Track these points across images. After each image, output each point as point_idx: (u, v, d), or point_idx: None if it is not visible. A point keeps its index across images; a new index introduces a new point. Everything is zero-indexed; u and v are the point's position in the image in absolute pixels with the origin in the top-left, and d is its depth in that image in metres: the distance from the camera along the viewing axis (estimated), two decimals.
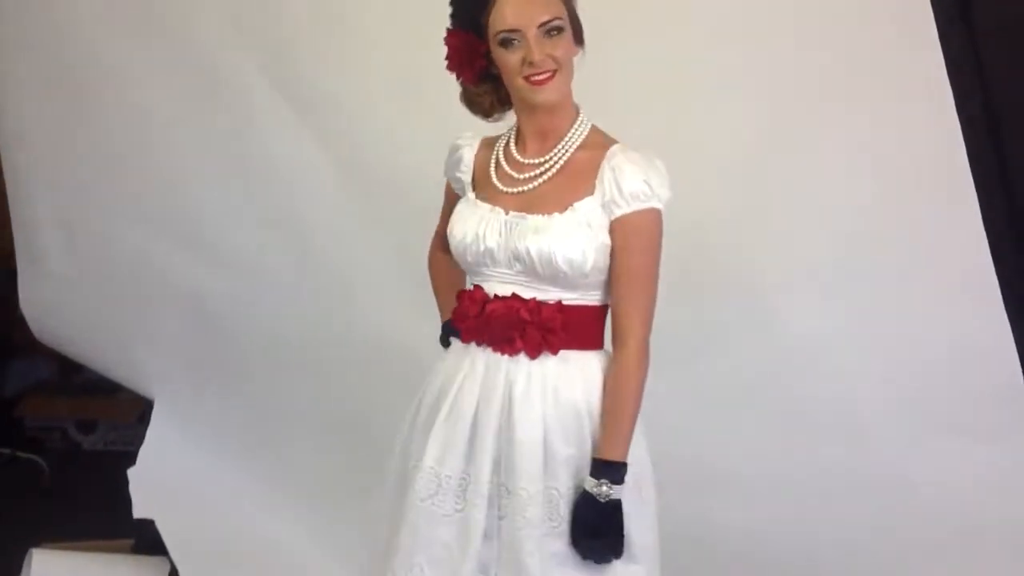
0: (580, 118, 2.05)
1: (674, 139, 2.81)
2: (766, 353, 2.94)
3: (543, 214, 1.99)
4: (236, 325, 3.53)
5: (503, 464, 2.00)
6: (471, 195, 2.10)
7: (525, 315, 1.99)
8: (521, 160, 2.06)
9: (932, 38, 2.66)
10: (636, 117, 2.71)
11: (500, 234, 2.01)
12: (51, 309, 3.84)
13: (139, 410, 4.14)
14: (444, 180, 2.22)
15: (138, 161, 3.52)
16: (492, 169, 2.08)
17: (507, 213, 2.02)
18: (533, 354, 2.01)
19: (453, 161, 2.16)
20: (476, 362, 2.04)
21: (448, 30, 2.05)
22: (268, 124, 3.33)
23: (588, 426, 2.02)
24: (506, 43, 1.96)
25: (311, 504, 3.47)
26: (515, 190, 2.05)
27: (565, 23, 1.97)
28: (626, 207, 1.98)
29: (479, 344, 2.05)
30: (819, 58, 2.79)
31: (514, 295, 2.01)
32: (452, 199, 2.17)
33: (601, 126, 2.08)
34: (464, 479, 2.02)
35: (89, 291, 3.73)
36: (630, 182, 1.96)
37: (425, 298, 2.37)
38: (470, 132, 2.15)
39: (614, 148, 2.01)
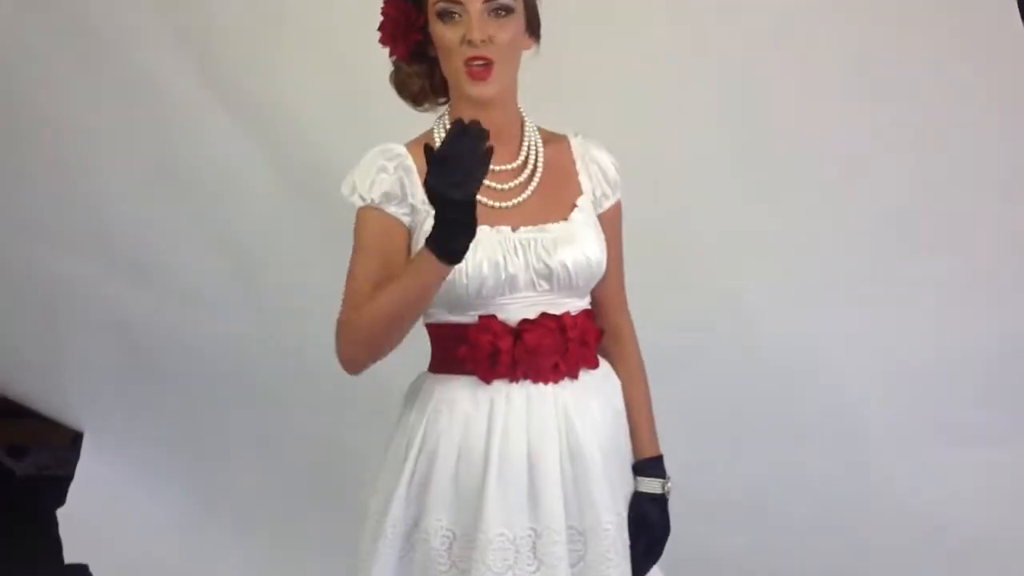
0: (523, 112, 1.91)
1: (666, 133, 2.77)
2: (758, 365, 2.82)
3: (553, 223, 1.84)
4: (169, 350, 3.29)
5: (575, 505, 1.82)
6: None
7: (572, 333, 1.83)
8: (494, 168, 1.82)
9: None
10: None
11: (518, 255, 1.80)
12: None
13: (74, 432, 3.82)
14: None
15: (54, 172, 3.26)
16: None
17: (515, 230, 1.82)
18: (576, 373, 1.85)
19: (393, 184, 1.81)
20: (513, 400, 1.82)
21: None
22: (200, 129, 3.09)
23: (624, 433, 1.94)
24: (444, 15, 1.78)
25: (251, 541, 3.30)
26: (508, 203, 1.84)
27: (517, 4, 1.79)
28: (612, 197, 1.94)
29: (513, 380, 1.84)
30: (843, 51, 2.73)
31: (543, 315, 1.83)
32: (394, 237, 1.83)
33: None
34: (531, 535, 1.80)
35: (3, 312, 3.46)
36: (610, 170, 1.93)
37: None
38: (391, 144, 1.84)
39: (574, 139, 1.94)
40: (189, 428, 3.36)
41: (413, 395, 1.91)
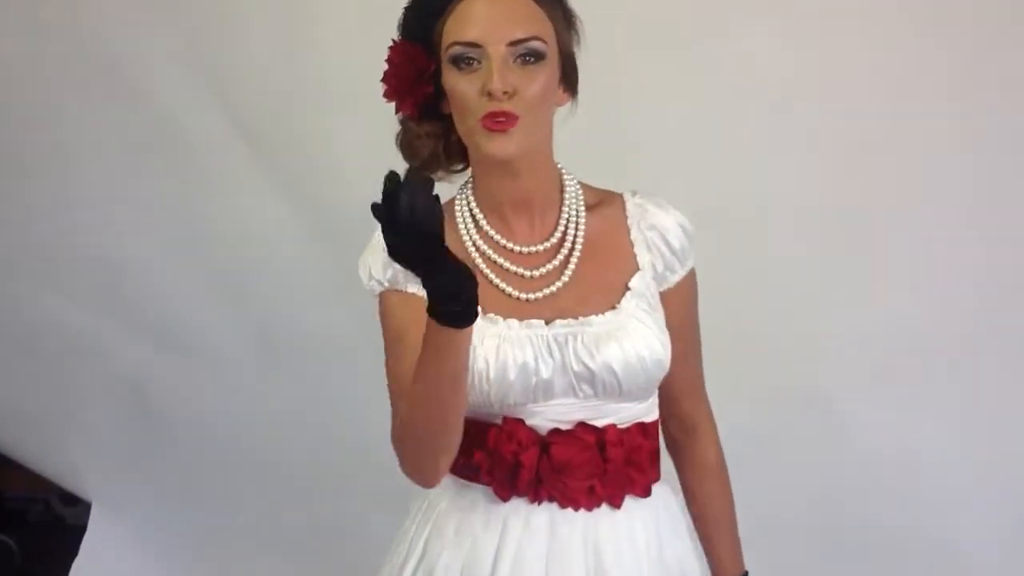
0: (565, 175, 1.59)
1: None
2: (831, 466, 2.51)
3: (597, 313, 1.53)
4: (185, 417, 3.02)
5: None
6: (490, 315, 1.55)
7: (614, 452, 1.52)
8: (518, 249, 1.56)
9: None
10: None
11: (553, 356, 1.50)
12: None
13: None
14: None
15: (67, 220, 2.97)
16: (483, 266, 1.55)
17: (548, 324, 1.52)
18: (618, 501, 1.54)
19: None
20: (532, 525, 1.52)
21: (393, 41, 1.53)
22: (221, 174, 2.83)
23: None
24: (460, 61, 1.46)
25: None
26: (540, 293, 1.54)
27: (549, 50, 1.48)
28: (680, 269, 1.61)
29: (534, 500, 1.52)
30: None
31: (581, 425, 1.52)
32: (418, 320, 1.47)
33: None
34: None
35: (5, 370, 3.17)
36: (676, 236, 1.60)
37: None
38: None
39: (630, 200, 1.61)
40: (201, 503, 3.08)
41: (421, 497, 1.62)
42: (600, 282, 1.54)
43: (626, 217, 1.59)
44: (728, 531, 1.71)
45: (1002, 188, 2.41)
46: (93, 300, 2.99)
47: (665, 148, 2.48)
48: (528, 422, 1.50)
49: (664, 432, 1.67)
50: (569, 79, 1.54)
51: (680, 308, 1.60)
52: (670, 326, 1.56)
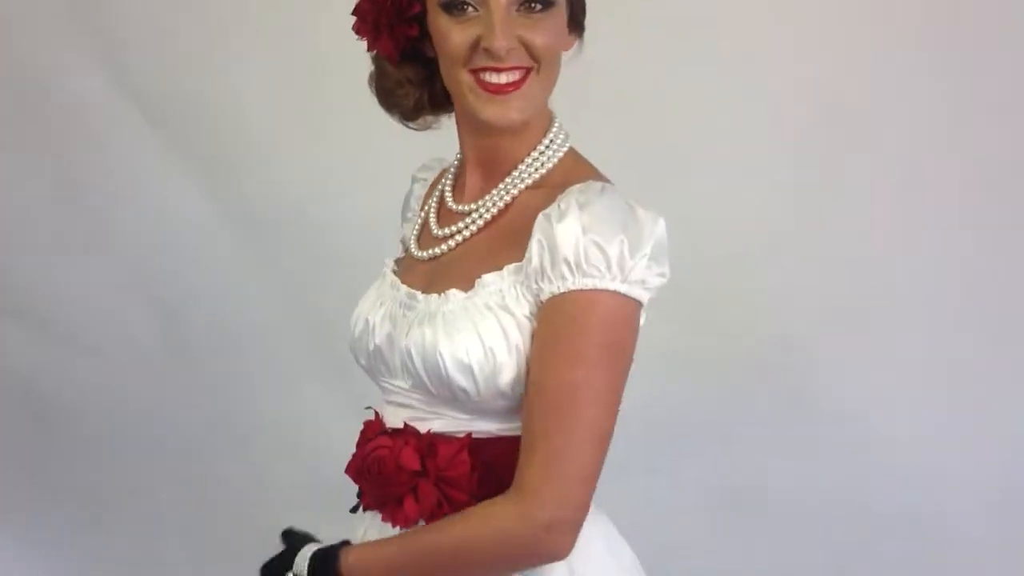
0: (551, 135, 1.33)
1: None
2: (830, 456, 2.33)
3: (456, 288, 1.28)
4: (84, 421, 2.77)
5: None
6: (389, 262, 1.45)
7: (410, 460, 1.26)
8: (452, 207, 1.39)
9: None
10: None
11: (392, 322, 1.33)
12: None
13: None
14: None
15: None
16: (429, 221, 1.43)
17: (411, 291, 1.36)
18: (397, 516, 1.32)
19: (405, 207, 1.56)
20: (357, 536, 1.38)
21: None
22: (115, 146, 2.62)
23: None
24: (453, 7, 1.25)
25: None
26: (424, 253, 1.38)
27: None
28: (557, 283, 1.20)
29: (368, 509, 1.37)
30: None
31: (406, 427, 1.30)
32: None
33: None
34: None
35: None
36: (567, 241, 1.19)
37: (355, 385, 1.68)
38: (440, 157, 1.46)
39: (575, 187, 1.25)
40: (108, 520, 2.82)
41: None
42: (480, 263, 1.28)
43: (547, 206, 1.29)
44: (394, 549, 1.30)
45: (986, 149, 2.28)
46: None
47: None
48: (382, 412, 1.36)
49: None
50: (576, 18, 1.31)
51: (539, 336, 1.22)
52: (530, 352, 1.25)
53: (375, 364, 1.34)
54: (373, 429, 1.34)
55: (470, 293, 1.26)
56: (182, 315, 2.69)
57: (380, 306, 1.35)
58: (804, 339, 2.35)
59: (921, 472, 2.34)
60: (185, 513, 2.77)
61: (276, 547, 1.34)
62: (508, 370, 1.21)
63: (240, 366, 2.65)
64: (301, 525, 1.44)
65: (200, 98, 2.56)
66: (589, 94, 2.10)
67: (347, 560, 1.24)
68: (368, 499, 1.35)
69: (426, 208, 1.44)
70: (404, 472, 1.27)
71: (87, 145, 2.64)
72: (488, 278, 1.26)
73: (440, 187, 1.44)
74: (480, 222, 1.33)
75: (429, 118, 1.39)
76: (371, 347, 1.31)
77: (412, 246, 1.39)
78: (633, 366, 1.23)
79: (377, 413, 1.36)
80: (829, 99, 2.29)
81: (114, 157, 2.65)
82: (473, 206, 1.34)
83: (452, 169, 1.43)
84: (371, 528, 1.33)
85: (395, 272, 1.39)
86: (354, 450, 1.37)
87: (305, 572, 1.25)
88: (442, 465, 1.26)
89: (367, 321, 1.35)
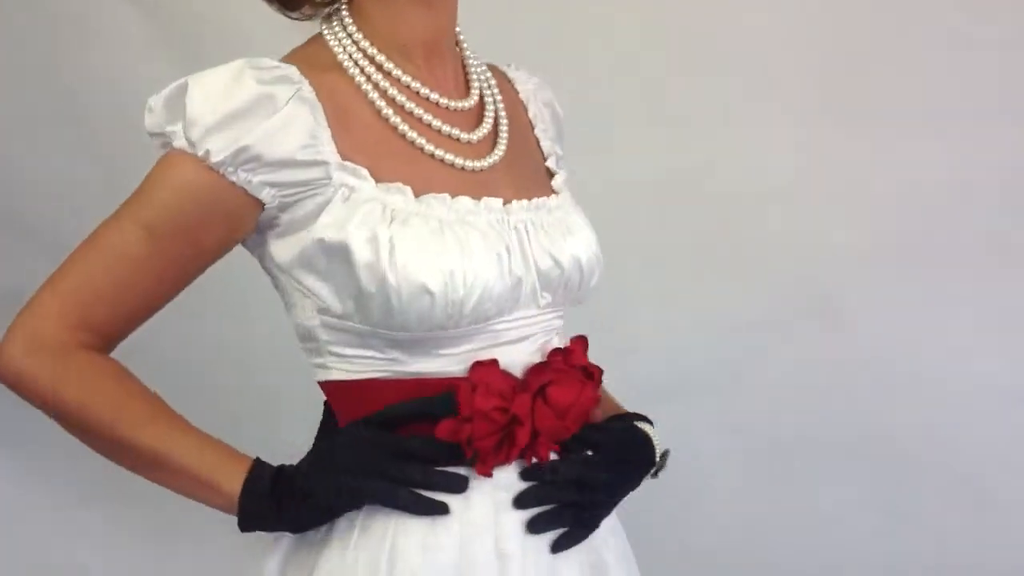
0: None
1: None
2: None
3: (543, 195, 1.20)
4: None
5: None
6: (435, 203, 1.10)
7: (599, 376, 1.20)
8: (445, 103, 1.16)
9: None
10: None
11: (520, 249, 1.13)
12: None
13: None
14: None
15: None
16: (402, 125, 1.12)
17: (507, 206, 1.15)
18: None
19: (267, 134, 1.03)
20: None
21: None
22: None
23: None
24: None
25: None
26: (484, 163, 1.16)
27: None
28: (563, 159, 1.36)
29: (543, 460, 1.14)
30: None
31: (555, 355, 1.16)
32: (211, 232, 1.08)
33: None
34: None
35: None
36: (561, 120, 1.36)
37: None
38: (268, 58, 1.08)
39: (511, 70, 1.31)
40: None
41: (346, 518, 1.14)
42: (528, 160, 1.22)
43: (516, 90, 1.28)
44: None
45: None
46: None
47: None
48: (486, 357, 1.11)
49: None
50: None
51: None
52: None
53: (500, 306, 1.10)
54: (506, 380, 1.10)
55: (559, 186, 1.24)
56: None
57: (490, 237, 1.10)
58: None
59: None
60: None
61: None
62: None
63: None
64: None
65: None
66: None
67: None
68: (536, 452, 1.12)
69: (390, 119, 1.12)
70: (591, 395, 1.15)
71: None
72: (557, 169, 1.26)
73: (374, 88, 1.13)
74: (504, 114, 1.22)
75: (314, 7, 1.18)
76: (510, 284, 1.10)
77: (453, 159, 1.13)
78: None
79: (488, 363, 1.11)
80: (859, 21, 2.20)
81: None
82: (476, 99, 1.20)
83: (370, 67, 1.14)
84: (498, 488, 1.11)
85: (443, 196, 1.11)
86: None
87: None
88: (597, 373, 1.19)
89: (499, 258, 1.09)
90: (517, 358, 1.12)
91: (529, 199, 1.16)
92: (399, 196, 1.07)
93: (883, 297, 2.25)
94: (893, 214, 2.23)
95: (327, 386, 1.14)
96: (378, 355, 1.09)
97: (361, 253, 1.03)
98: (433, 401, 1.07)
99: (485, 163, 1.15)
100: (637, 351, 2.24)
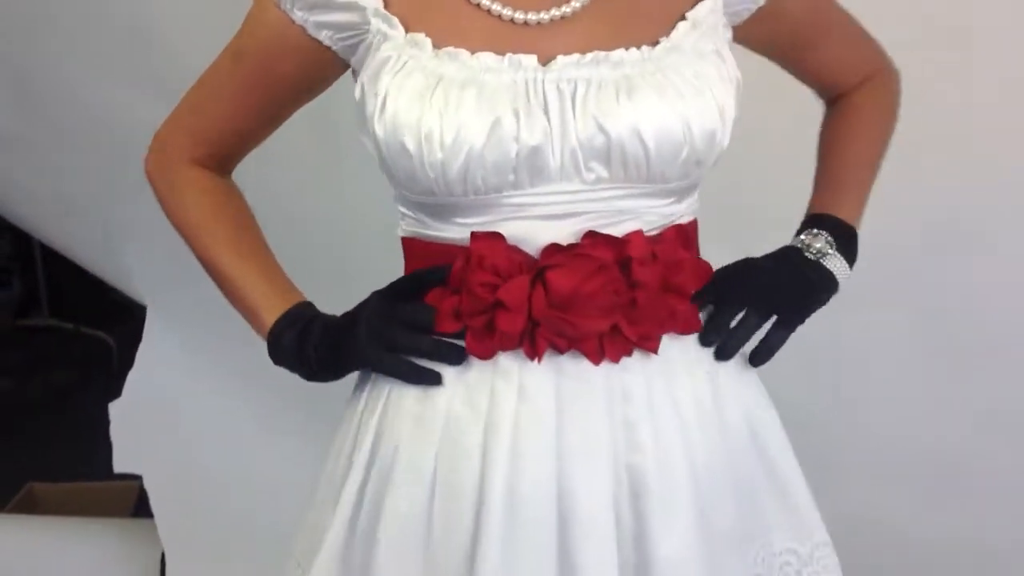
0: None
1: None
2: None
3: (632, 46, 1.04)
4: None
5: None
6: (464, 54, 1.05)
7: (643, 274, 1.03)
8: None
9: None
10: None
11: (547, 112, 1.01)
12: (8, 178, 2.90)
13: None
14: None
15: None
16: None
17: (547, 65, 1.02)
18: (654, 344, 1.07)
19: None
20: (531, 392, 1.06)
21: None
22: None
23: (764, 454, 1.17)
24: None
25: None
26: (542, 15, 1.04)
27: None
28: None
29: (534, 356, 1.06)
30: None
31: (590, 236, 1.03)
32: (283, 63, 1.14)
33: None
34: None
35: (48, 157, 2.79)
36: None
37: None
38: None
39: None
40: None
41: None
42: (640, 5, 1.05)
43: None
44: (856, 175, 1.26)
45: None
46: (139, 80, 2.55)
47: None
48: (507, 232, 1.03)
49: None
50: None
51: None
52: (793, 20, 1.16)
53: (514, 178, 1.03)
54: (515, 255, 1.03)
55: (680, 36, 1.06)
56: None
57: (498, 97, 1.02)
58: None
59: None
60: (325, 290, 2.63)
61: None
62: (727, 136, 1.05)
63: None
64: None
65: None
66: None
67: None
68: (531, 345, 1.06)
69: None
70: (621, 289, 1.04)
71: None
72: (698, 15, 1.07)
73: None
74: None
75: None
76: (514, 153, 1.01)
77: (494, 7, 1.06)
78: None
79: (493, 236, 1.04)
80: None
81: None
82: None
83: None
84: (539, 377, 1.07)
85: (458, 52, 1.05)
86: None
87: None
88: (671, 270, 1.08)
89: (498, 122, 1.01)
90: (553, 237, 1.03)
91: (610, 50, 1.03)
92: (417, 48, 1.04)
93: None
94: None
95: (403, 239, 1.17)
96: (410, 215, 1.11)
97: (368, 105, 1.04)
98: (430, 272, 1.08)
99: (547, 15, 1.05)
100: None
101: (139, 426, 2.64)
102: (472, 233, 1.04)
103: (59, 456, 3.29)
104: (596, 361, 1.06)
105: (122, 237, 2.81)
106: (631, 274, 1.03)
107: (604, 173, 1.03)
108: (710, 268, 1.15)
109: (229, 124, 1.19)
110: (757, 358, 1.17)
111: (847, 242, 1.21)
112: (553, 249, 1.03)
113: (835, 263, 1.19)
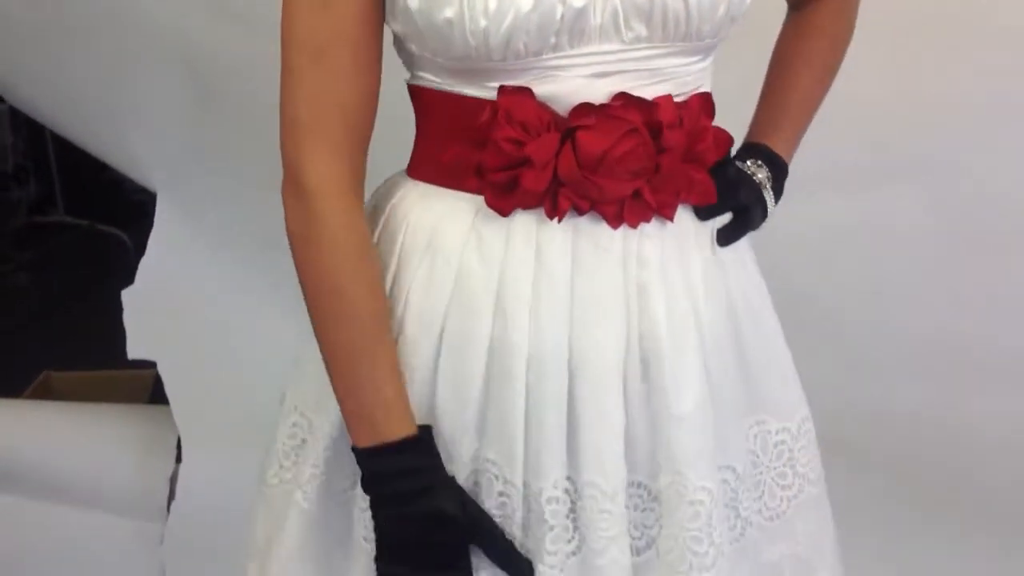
0: None
1: None
2: None
3: None
4: (248, 93, 2.46)
5: (646, 448, 1.07)
6: None
7: (672, 138, 1.02)
8: None
9: None
10: None
11: None
12: (15, 65, 2.83)
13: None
14: None
15: None
16: None
17: None
18: (671, 212, 1.08)
19: None
20: (546, 252, 1.05)
21: None
22: None
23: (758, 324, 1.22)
24: None
25: None
26: None
27: None
28: None
29: (551, 215, 1.05)
30: None
31: (622, 98, 1.01)
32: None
33: None
34: (566, 493, 1.05)
35: (56, 41, 2.72)
36: None
37: None
38: None
39: None
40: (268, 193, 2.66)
41: (377, 211, 1.14)
42: None
43: None
44: (791, 112, 1.28)
45: None
46: None
47: None
48: (538, 90, 1.02)
49: None
50: None
51: None
52: None
53: (555, 40, 1.00)
54: (532, 110, 1.01)
55: None
56: None
57: None
58: None
59: None
60: None
61: None
62: None
63: None
64: None
65: None
66: None
67: None
68: (553, 204, 1.04)
69: None
70: (650, 152, 1.03)
71: None
72: None
73: None
74: None
75: None
76: (559, 14, 0.99)
77: None
78: None
79: (521, 91, 1.02)
80: None
81: None
82: None
83: None
84: (551, 239, 1.06)
85: None
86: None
87: None
88: (696, 137, 1.08)
89: None
90: (584, 98, 1.02)
91: None
92: None
93: None
94: None
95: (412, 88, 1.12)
96: (429, 76, 1.07)
97: None
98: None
99: None
100: None
101: (152, 312, 2.63)
102: (500, 87, 1.02)
103: (75, 348, 3.30)
104: (615, 225, 1.06)
105: (131, 123, 2.76)
106: (661, 139, 1.03)
107: (643, 31, 1.02)
108: (730, 137, 1.15)
109: (365, 86, 1.06)
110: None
111: (778, 178, 1.25)
112: (584, 109, 1.02)
113: (768, 197, 1.23)
